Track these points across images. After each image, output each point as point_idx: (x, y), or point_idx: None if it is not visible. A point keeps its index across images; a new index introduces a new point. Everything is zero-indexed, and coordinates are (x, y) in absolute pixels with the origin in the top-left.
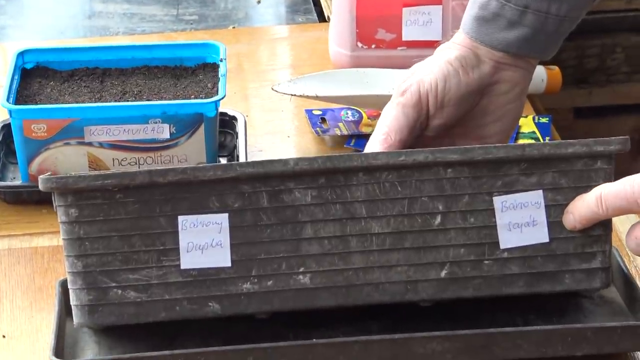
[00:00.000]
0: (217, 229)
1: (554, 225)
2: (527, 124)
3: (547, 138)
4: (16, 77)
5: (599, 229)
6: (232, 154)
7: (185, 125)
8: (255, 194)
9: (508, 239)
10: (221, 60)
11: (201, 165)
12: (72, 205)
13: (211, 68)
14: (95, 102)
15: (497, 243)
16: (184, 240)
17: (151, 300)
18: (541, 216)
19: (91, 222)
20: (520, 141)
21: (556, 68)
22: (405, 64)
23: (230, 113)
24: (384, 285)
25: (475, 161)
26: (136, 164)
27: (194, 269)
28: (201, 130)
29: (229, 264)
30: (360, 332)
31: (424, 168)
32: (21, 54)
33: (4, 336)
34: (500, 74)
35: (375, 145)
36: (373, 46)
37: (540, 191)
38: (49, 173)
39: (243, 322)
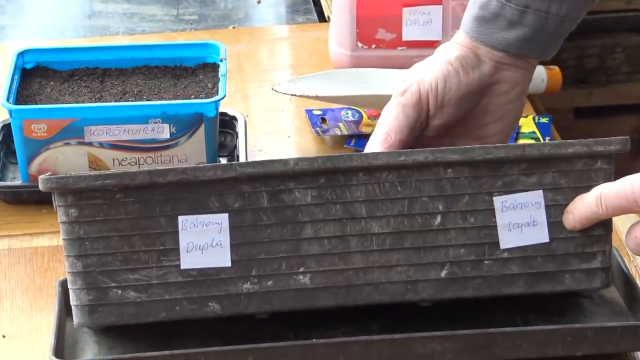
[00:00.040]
0: (217, 229)
1: (554, 225)
2: (527, 124)
3: (547, 138)
4: (16, 77)
5: (599, 229)
6: (232, 154)
7: (185, 125)
8: (255, 194)
9: (508, 239)
10: (221, 60)
11: (201, 165)
12: (72, 205)
13: (211, 68)
14: (95, 102)
15: (497, 243)
16: (184, 240)
17: (151, 300)
18: (541, 216)
19: (91, 222)
20: (520, 141)
21: (556, 68)
22: (405, 64)
23: (231, 113)
24: (384, 285)
25: (475, 161)
26: (136, 164)
27: (194, 269)
28: (201, 130)
29: (229, 264)
30: (360, 332)
31: (424, 168)
32: (21, 54)
33: (4, 336)
34: (500, 74)
35: (375, 145)
36: (373, 46)
37: (541, 191)
38: (49, 173)
39: (243, 322)
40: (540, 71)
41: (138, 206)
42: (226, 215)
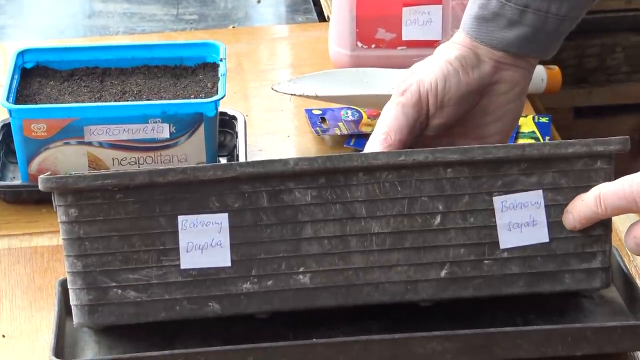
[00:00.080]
0: (217, 228)
1: (554, 225)
2: (527, 124)
3: (547, 138)
4: (16, 76)
5: (599, 229)
6: (232, 154)
7: (185, 124)
8: (255, 193)
9: (508, 239)
10: (221, 60)
11: (201, 165)
12: (72, 205)
13: (211, 68)
14: (95, 101)
15: (497, 243)
16: (184, 240)
17: (151, 300)
18: (541, 216)
19: (91, 222)
20: (520, 141)
21: (556, 68)
22: (405, 64)
23: (230, 113)
24: (384, 285)
25: (475, 161)
26: (136, 163)
27: (194, 269)
28: (201, 130)
29: (229, 264)
30: (360, 332)
31: (424, 168)
32: (21, 54)
33: (3, 336)
34: (500, 74)
35: (375, 144)
36: (373, 46)
37: (540, 191)
38: (49, 173)
39: (243, 322)
40: (540, 71)
41: (138, 206)
42: (226, 215)
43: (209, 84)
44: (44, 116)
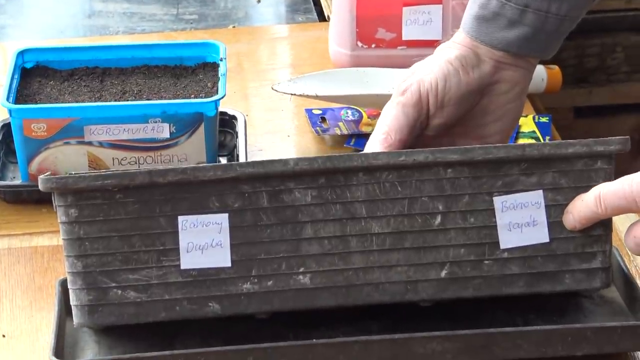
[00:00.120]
0: (217, 229)
1: (554, 225)
2: (527, 124)
3: (547, 137)
4: (16, 76)
5: (599, 229)
6: (232, 154)
7: (185, 124)
8: (255, 194)
9: (508, 239)
10: (221, 60)
11: (201, 165)
12: (72, 206)
13: (211, 67)
14: (95, 101)
15: (497, 243)
16: (184, 240)
17: (151, 300)
18: (541, 216)
19: (91, 222)
20: (521, 140)
21: (556, 67)
22: (405, 64)
23: (230, 112)
24: (384, 285)
25: (476, 161)
26: (136, 163)
27: (194, 269)
28: (201, 129)
29: (229, 264)
30: (360, 332)
31: (424, 168)
32: (21, 53)
33: (3, 335)
34: (500, 74)
35: (375, 144)
36: (373, 45)
37: (541, 191)
38: (49, 172)
39: (243, 322)
40: (540, 70)
41: (138, 206)
42: (226, 215)
43: (209, 84)
44: (44, 116)
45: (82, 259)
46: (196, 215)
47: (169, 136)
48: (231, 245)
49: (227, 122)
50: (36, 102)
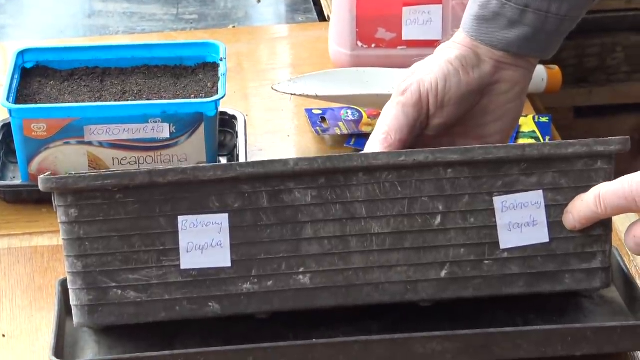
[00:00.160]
0: (217, 229)
1: (554, 225)
2: (527, 124)
3: (547, 137)
4: (16, 76)
5: (599, 229)
6: (232, 154)
7: (185, 124)
8: (255, 194)
9: (508, 239)
10: (221, 60)
11: (201, 165)
12: (72, 206)
13: (211, 67)
14: (95, 101)
15: (497, 243)
16: (184, 240)
17: (151, 300)
18: (541, 216)
19: (91, 222)
20: (521, 140)
21: (556, 67)
22: (405, 64)
23: (230, 112)
24: (384, 285)
25: (476, 161)
26: (136, 163)
27: (194, 269)
28: (201, 129)
29: (229, 264)
30: (360, 332)
31: (424, 168)
32: (21, 53)
33: (3, 335)
34: (500, 74)
35: (375, 144)
36: (373, 45)
37: (541, 191)
38: (49, 172)
39: (243, 322)
40: (540, 70)
41: (138, 206)
42: (226, 215)
43: (209, 84)
44: (44, 116)
45: (82, 259)
46: (196, 215)
47: (169, 136)
48: (231, 245)
49: (227, 122)
50: (36, 102)
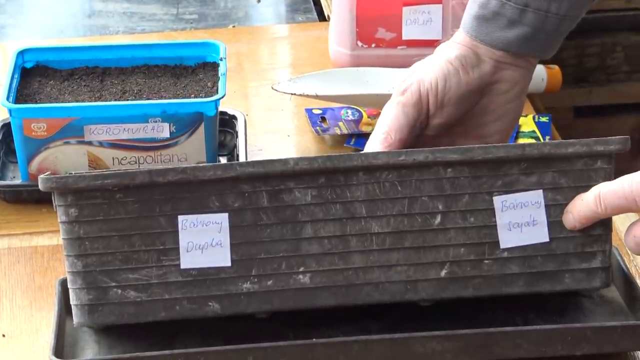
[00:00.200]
0: (217, 228)
1: (554, 224)
2: (527, 123)
3: (547, 137)
4: (16, 76)
5: (599, 229)
6: (232, 153)
7: (185, 124)
8: (255, 193)
9: (508, 239)
10: (221, 59)
11: (201, 164)
12: (72, 205)
13: (211, 67)
14: (95, 101)
15: (497, 243)
16: (184, 240)
17: (151, 300)
18: (541, 216)
19: (91, 221)
20: (521, 140)
21: (556, 67)
22: (405, 63)
23: (230, 112)
24: (383, 285)
25: (475, 161)
26: (136, 163)
27: (194, 269)
28: (201, 129)
29: (229, 264)
30: (360, 332)
31: (424, 168)
32: (21, 53)
33: (3, 335)
34: (500, 73)
35: (375, 144)
36: (373, 45)
37: (540, 191)
38: (49, 172)
39: (243, 322)
40: (540, 70)
41: (138, 206)
42: (226, 215)
43: (209, 84)
44: (44, 115)
45: (82, 258)
46: (196, 214)
47: (169, 136)
48: (231, 244)
49: (227, 122)
50: (36, 102)
